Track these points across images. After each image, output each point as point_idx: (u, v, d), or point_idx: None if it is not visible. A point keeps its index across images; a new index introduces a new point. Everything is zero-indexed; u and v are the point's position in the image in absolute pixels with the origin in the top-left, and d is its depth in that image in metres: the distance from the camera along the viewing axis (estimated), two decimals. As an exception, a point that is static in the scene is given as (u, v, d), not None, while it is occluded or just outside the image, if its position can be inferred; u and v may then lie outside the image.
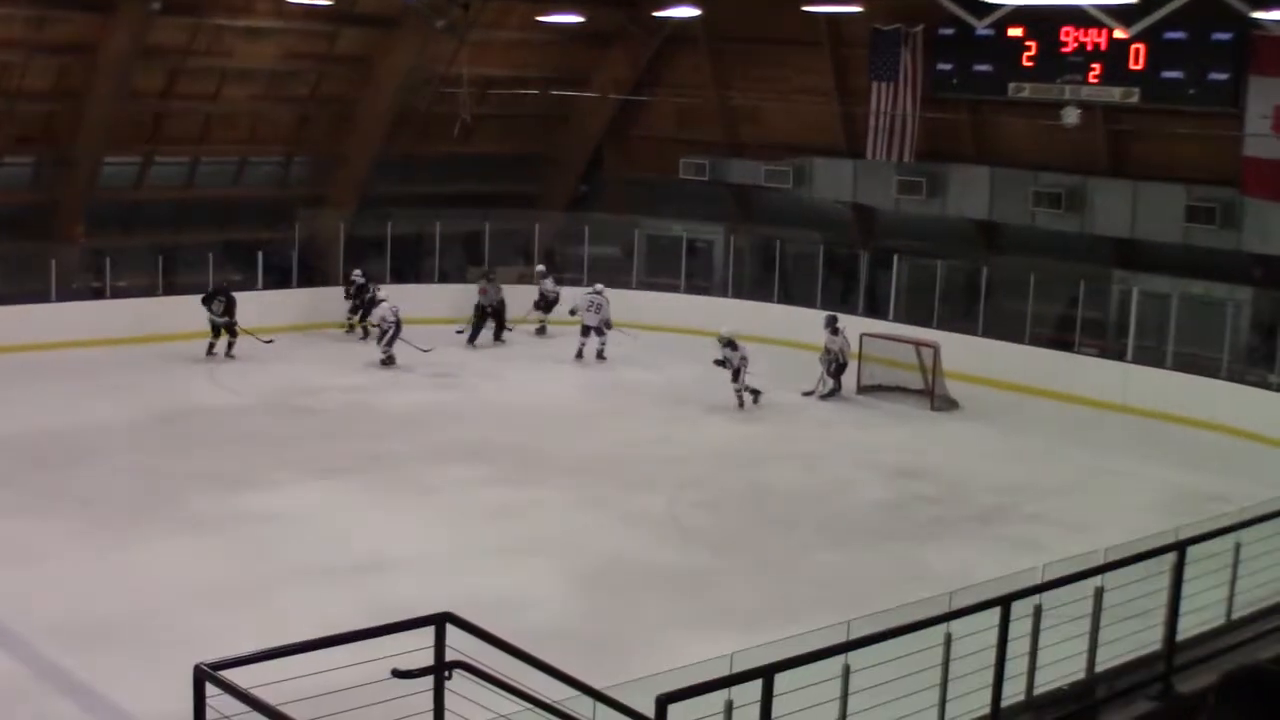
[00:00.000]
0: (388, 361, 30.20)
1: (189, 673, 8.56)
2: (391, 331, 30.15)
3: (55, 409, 25.23)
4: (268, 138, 34.55)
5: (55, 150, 31.04)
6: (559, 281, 34.88)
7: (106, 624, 15.62)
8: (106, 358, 29.46)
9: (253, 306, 32.01)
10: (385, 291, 31.93)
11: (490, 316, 33.43)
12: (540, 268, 34.83)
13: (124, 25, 29.13)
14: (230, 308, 30.58)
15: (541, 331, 34.29)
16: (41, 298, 30.58)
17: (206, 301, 30.68)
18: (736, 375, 27.58)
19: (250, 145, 34.42)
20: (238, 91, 32.91)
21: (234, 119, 33.61)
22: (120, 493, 20.68)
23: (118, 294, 31.66)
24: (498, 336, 33.33)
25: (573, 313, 32.25)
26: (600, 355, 31.61)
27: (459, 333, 32.42)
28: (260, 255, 33.39)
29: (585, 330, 31.83)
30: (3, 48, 28.72)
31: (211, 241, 33.45)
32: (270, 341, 30.51)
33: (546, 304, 34.36)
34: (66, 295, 31.08)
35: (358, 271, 33.53)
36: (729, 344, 27.59)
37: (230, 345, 30.47)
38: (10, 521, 19.17)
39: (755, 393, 27.75)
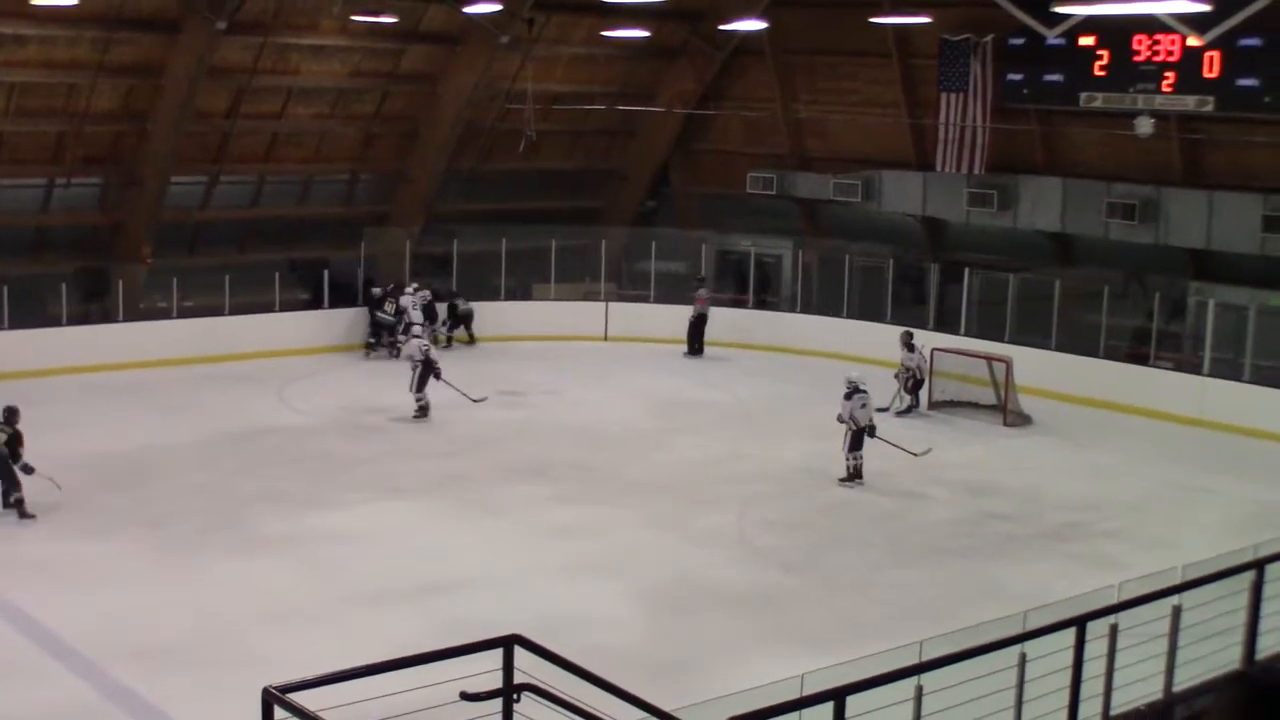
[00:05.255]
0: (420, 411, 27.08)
1: (258, 695, 8.52)
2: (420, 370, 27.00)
3: (122, 430, 25.25)
4: (333, 156, 34.64)
5: (122, 171, 31.22)
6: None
7: (175, 646, 15.58)
8: (173, 378, 29.52)
9: (320, 324, 32.20)
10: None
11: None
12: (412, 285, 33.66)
13: (189, 46, 29.26)
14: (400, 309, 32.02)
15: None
16: (109, 318, 30.79)
17: (378, 304, 32.23)
18: None
19: (316, 164, 34.52)
20: (303, 110, 33.04)
21: (299, 138, 33.73)
22: (188, 514, 20.60)
23: (184, 314, 31.65)
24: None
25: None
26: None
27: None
28: (326, 274, 33.37)
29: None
30: (70, 69, 28.90)
31: (277, 260, 33.51)
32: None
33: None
34: (134, 316, 31.18)
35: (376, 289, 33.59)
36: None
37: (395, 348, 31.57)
38: (79, 544, 19.13)
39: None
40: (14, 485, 20.19)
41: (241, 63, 30.67)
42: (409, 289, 33.19)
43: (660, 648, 16.14)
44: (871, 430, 23.15)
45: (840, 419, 23.32)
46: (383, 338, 33.07)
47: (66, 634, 15.83)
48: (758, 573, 19.07)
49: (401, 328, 32.08)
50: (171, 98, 30.03)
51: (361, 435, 25.89)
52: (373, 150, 35.23)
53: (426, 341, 27.61)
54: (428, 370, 26.81)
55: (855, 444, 23.12)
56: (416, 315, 32.23)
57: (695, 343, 34.22)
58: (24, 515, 20.07)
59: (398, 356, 30.52)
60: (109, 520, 20.12)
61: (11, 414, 20.51)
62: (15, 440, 20.31)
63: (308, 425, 26.54)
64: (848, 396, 23.22)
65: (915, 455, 23.68)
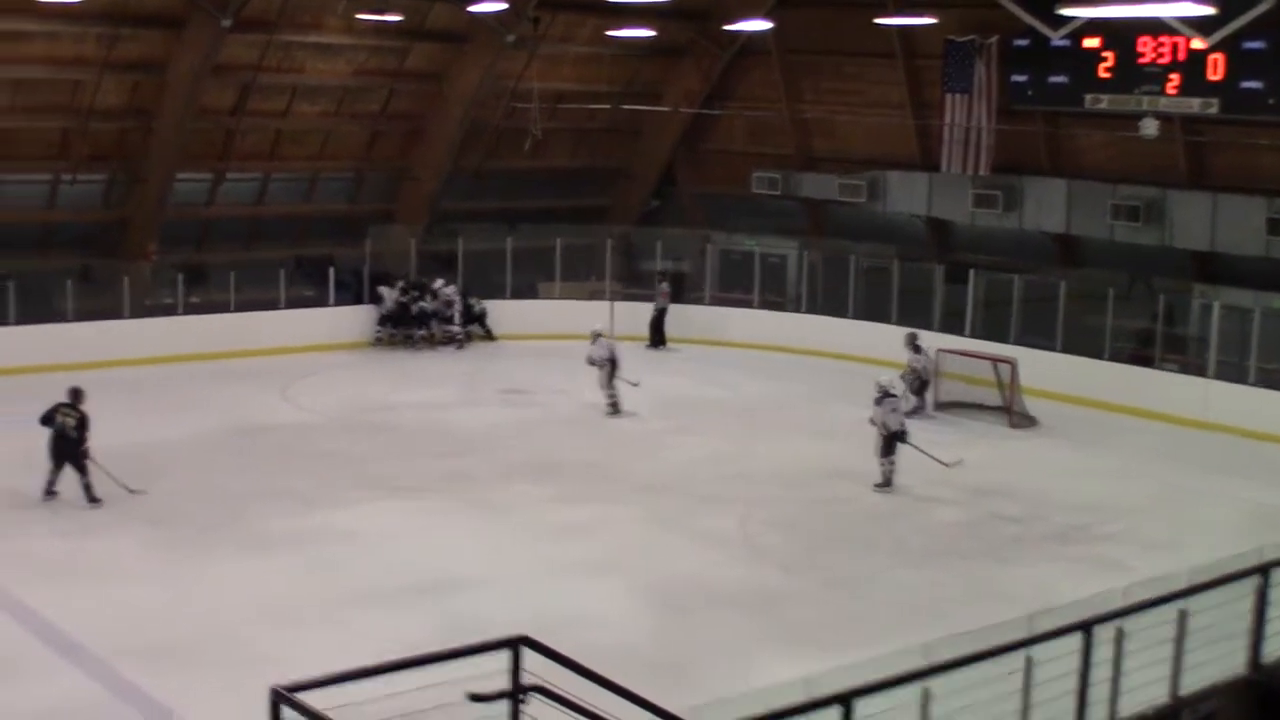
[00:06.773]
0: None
1: (264, 694, 8.53)
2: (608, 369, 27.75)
3: (127, 427, 25.02)
4: (338, 154, 34.68)
5: (127, 168, 31.24)
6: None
7: (181, 644, 15.57)
8: (179, 375, 29.52)
9: (326, 321, 32.23)
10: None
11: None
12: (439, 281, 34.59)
13: (195, 43, 29.29)
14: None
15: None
16: (114, 315, 30.73)
17: (418, 295, 33.47)
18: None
19: (321, 161, 34.55)
20: (308, 108, 33.07)
21: (305, 135, 33.76)
22: (193, 511, 20.61)
23: (190, 311, 31.69)
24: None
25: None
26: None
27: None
28: (331, 271, 33.41)
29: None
30: (75, 66, 28.95)
31: (282, 258, 33.55)
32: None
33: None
34: (139, 312, 31.24)
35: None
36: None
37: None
38: (84, 541, 19.17)
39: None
40: (83, 469, 20.39)
41: (247, 60, 30.70)
42: (439, 283, 34.02)
43: (664, 647, 16.12)
44: (903, 435, 23.08)
45: (872, 423, 23.27)
46: (431, 328, 33.95)
47: (73, 630, 15.81)
48: (761, 573, 19.06)
49: (455, 314, 34.08)
50: (176, 94, 30.05)
51: (367, 433, 25.89)
52: (378, 148, 35.25)
53: (613, 342, 28.00)
54: (614, 368, 27.54)
55: (888, 449, 22.99)
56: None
57: (657, 335, 34.77)
58: (92, 500, 20.38)
59: (461, 347, 33.89)
60: (115, 517, 20.13)
61: (77, 394, 20.74)
62: (83, 424, 20.48)
63: (313, 423, 26.57)
64: (878, 401, 23.14)
65: (946, 465, 23.59)
